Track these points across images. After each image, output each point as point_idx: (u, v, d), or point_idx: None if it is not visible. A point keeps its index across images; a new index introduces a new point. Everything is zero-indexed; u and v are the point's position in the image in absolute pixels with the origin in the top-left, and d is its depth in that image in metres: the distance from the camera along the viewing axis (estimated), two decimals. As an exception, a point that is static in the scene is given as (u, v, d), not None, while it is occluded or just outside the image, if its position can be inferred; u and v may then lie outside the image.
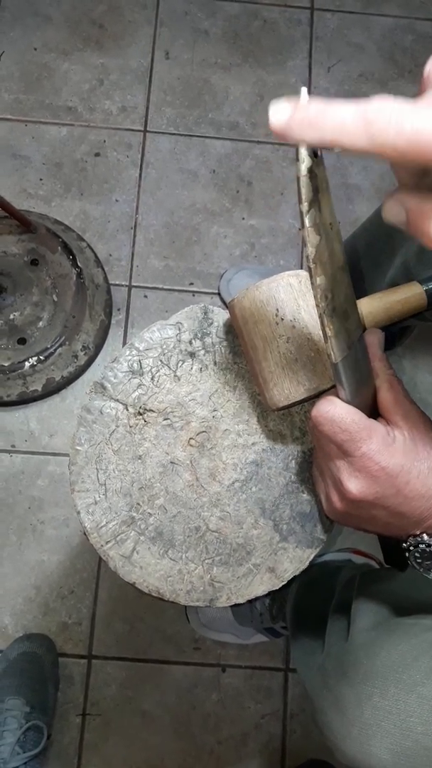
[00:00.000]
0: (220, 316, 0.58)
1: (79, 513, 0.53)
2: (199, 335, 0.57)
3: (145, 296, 1.27)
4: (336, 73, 1.38)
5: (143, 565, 0.53)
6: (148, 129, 1.34)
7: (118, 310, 1.26)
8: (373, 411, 0.52)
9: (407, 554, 0.51)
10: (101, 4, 1.41)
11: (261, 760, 1.10)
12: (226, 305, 1.25)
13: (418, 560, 0.51)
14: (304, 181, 0.36)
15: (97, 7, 1.41)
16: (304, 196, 0.37)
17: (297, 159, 0.36)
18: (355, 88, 1.38)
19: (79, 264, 1.19)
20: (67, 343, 1.18)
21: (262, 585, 0.54)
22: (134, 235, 1.30)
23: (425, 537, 0.49)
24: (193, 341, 0.57)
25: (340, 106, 0.30)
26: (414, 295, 0.55)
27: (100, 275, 1.24)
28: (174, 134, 1.34)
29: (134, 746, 1.09)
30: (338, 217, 1.32)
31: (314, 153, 0.36)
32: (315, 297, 0.41)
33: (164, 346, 0.56)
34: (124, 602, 1.13)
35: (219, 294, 1.27)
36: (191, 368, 0.56)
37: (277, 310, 0.51)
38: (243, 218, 1.32)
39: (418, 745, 0.50)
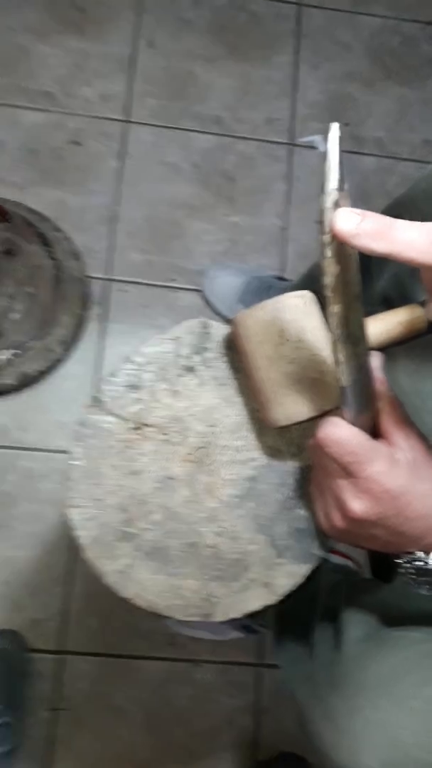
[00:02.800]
0: (219, 330, 0.57)
1: (75, 529, 0.52)
2: (198, 350, 0.57)
3: (125, 290, 1.25)
4: (322, 71, 1.37)
5: (139, 581, 0.53)
6: (129, 119, 1.31)
7: (97, 304, 1.24)
8: (373, 431, 0.52)
9: (402, 570, 0.52)
10: (83, -14, 1.37)
11: (233, 753, 1.12)
12: (207, 300, 1.24)
13: (412, 576, 0.52)
14: (329, 213, 0.36)
15: (79, -12, 1.37)
16: (328, 228, 0.37)
17: (323, 191, 0.36)
18: (340, 87, 1.37)
19: (56, 255, 1.17)
20: (42, 336, 1.16)
21: (257, 600, 0.54)
22: (114, 228, 1.27)
23: (421, 554, 0.51)
24: (192, 356, 0.56)
25: (406, 224, 0.33)
26: (416, 318, 0.55)
27: (77, 268, 1.21)
28: (156, 126, 1.32)
29: (106, 741, 1.09)
30: (315, 217, 1.32)
31: (341, 186, 0.36)
32: (330, 324, 0.41)
33: (163, 361, 0.56)
34: (97, 598, 1.13)
35: (200, 290, 1.27)
36: (190, 383, 0.56)
37: (282, 330, 0.51)
38: (225, 215, 1.31)
39: (408, 757, 0.51)
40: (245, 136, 1.33)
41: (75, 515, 0.52)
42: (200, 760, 1.10)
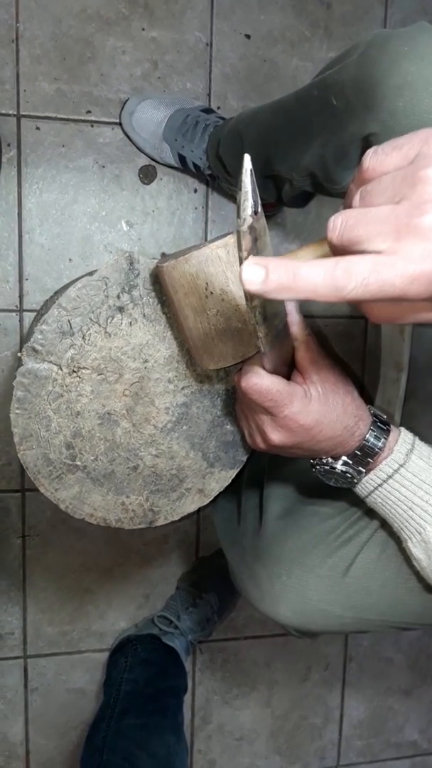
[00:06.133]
0: (146, 265, 0.58)
1: (28, 468, 0.58)
2: (127, 288, 0.57)
3: (38, 128, 1.14)
4: None
5: (90, 503, 0.60)
6: None
7: (8, 145, 1.14)
8: (291, 365, 0.58)
9: (314, 470, 0.62)
10: None
11: (179, 552, 1.33)
12: (129, 138, 1.16)
13: (321, 474, 0.62)
14: (245, 236, 0.38)
15: None
16: (244, 247, 0.38)
17: (238, 216, 0.37)
18: None
19: (-43, 95, 1.04)
20: None
21: (193, 504, 0.64)
22: (17, 50, 1.11)
23: (330, 460, 0.60)
24: (121, 295, 0.57)
25: (310, 269, 0.33)
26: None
27: (-18, 105, 1.09)
28: None
29: (71, 555, 1.28)
30: (246, 30, 1.19)
31: (254, 211, 0.37)
32: (250, 314, 0.45)
33: (92, 303, 0.57)
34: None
35: (120, 125, 1.17)
36: (121, 323, 0.58)
37: (207, 284, 0.52)
38: (143, 29, 1.15)
39: (314, 608, 0.66)
40: None
41: (28, 458, 0.57)
42: (153, 560, 1.32)
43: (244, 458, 0.65)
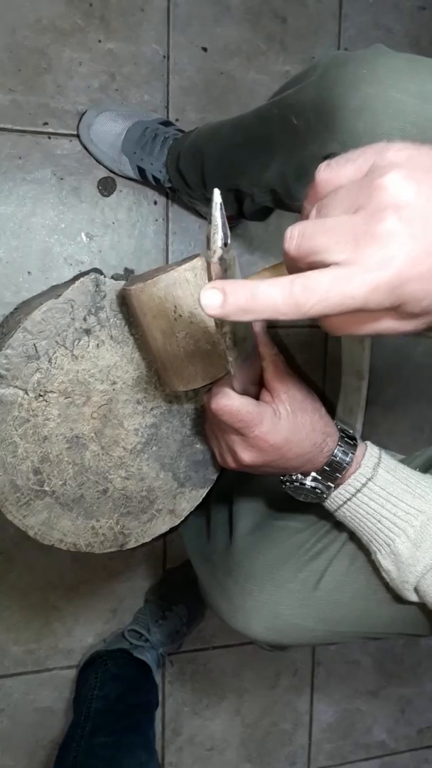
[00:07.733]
0: (113, 287, 0.57)
1: (-6, 495, 0.57)
2: (93, 310, 0.57)
3: (-7, 140, 1.12)
4: None
5: (60, 528, 0.60)
6: None
7: (-37, 158, 1.11)
8: (260, 383, 0.58)
9: (284, 486, 0.63)
10: None
11: (146, 565, 1.32)
12: (87, 150, 1.15)
13: (291, 490, 0.63)
14: (215, 267, 0.38)
15: None
16: (214, 276, 0.39)
17: (208, 248, 0.37)
18: None
19: None
20: None
21: (164, 525, 0.63)
22: (-30, 61, 1.09)
23: (300, 476, 0.61)
24: (87, 317, 0.57)
25: (267, 289, 0.33)
26: (300, 273, 0.58)
27: None
28: None
29: (36, 572, 1.25)
30: (203, 43, 1.19)
31: (224, 243, 0.37)
32: (219, 339, 0.45)
33: (58, 326, 0.56)
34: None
35: (78, 137, 1.16)
36: (88, 345, 0.57)
37: (176, 307, 0.52)
38: (99, 41, 1.15)
39: (286, 622, 0.67)
40: None
41: (-8, 484, 0.56)
42: (120, 574, 1.30)
43: (215, 477, 0.65)
